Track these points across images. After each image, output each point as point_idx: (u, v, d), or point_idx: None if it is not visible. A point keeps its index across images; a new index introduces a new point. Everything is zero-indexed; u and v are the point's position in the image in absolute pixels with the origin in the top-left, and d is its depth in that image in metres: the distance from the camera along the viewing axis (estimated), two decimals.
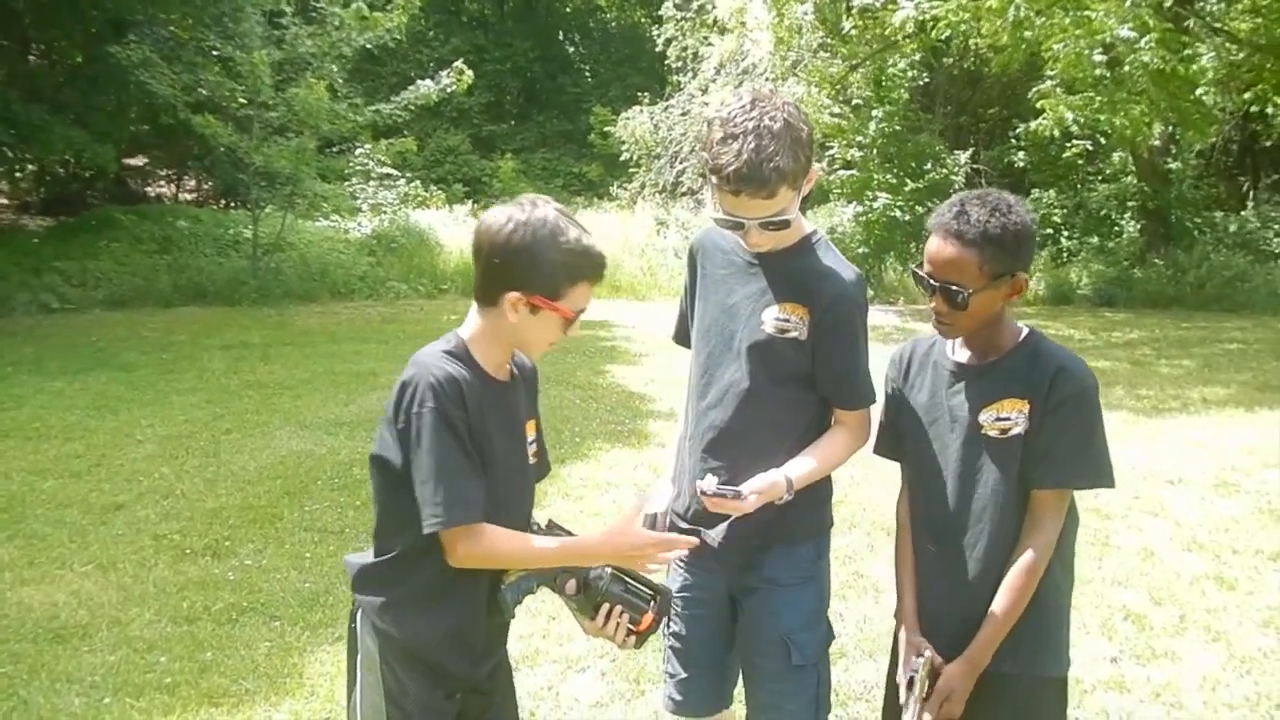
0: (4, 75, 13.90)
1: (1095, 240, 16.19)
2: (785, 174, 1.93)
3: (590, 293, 1.90)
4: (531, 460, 2.05)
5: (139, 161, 20.59)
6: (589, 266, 1.87)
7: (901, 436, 2.16)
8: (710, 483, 2.02)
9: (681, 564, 2.32)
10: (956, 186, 17.46)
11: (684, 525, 2.25)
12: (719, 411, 2.18)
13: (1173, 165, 16.18)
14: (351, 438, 6.37)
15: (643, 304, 14.31)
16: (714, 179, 1.98)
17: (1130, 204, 16.13)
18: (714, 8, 17.65)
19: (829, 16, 16.71)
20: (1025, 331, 2.04)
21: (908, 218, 15.84)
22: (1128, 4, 9.05)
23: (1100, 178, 17.48)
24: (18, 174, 16.56)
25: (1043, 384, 1.94)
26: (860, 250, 15.24)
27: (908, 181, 16.13)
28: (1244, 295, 13.75)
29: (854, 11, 16.55)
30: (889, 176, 15.99)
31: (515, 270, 1.82)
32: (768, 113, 1.94)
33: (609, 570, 1.91)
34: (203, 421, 6.82)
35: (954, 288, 1.92)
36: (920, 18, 12.64)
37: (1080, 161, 17.19)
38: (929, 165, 16.67)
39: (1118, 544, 4.72)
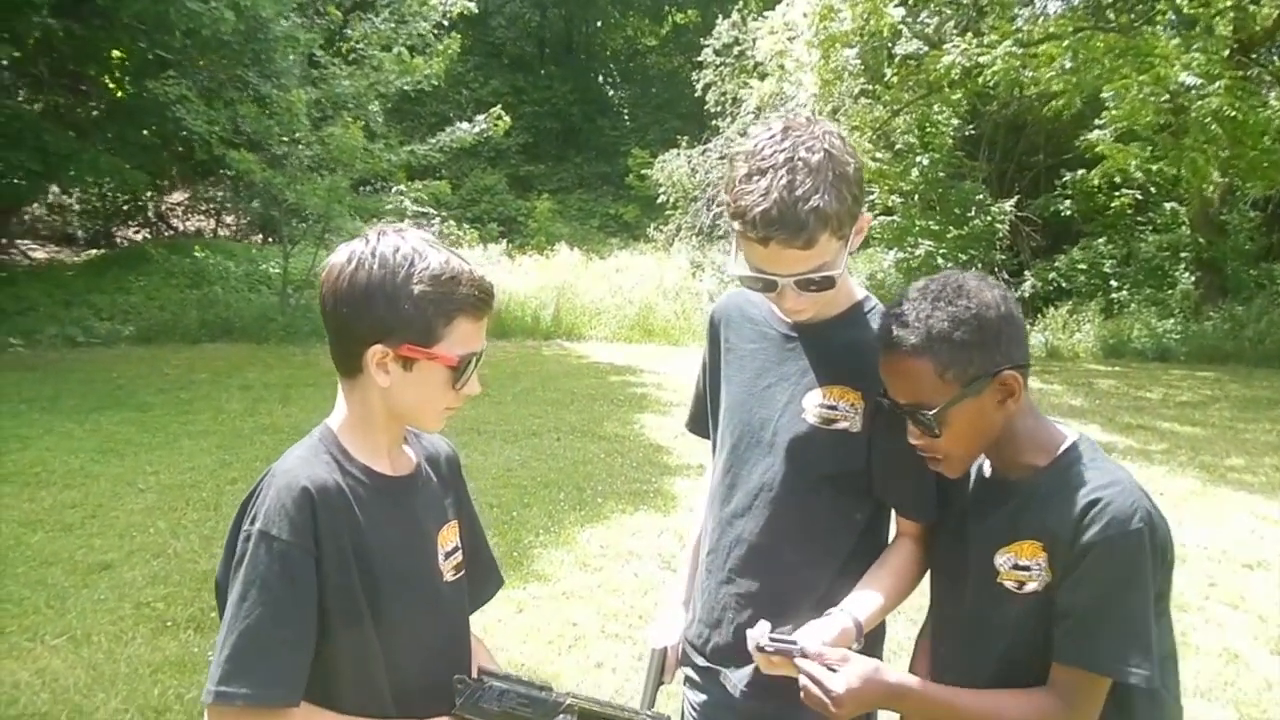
0: (41, 106, 13.99)
1: (1148, 291, 15.63)
2: (826, 217, 1.51)
3: (480, 331, 1.46)
4: (451, 576, 1.57)
5: (179, 197, 20.76)
6: (466, 296, 1.42)
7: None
8: (762, 633, 1.55)
9: (695, 710, 1.89)
10: (1000, 235, 17.06)
11: (700, 663, 1.85)
12: (748, 521, 1.77)
13: (1227, 216, 15.64)
14: None
15: (676, 349, 13.94)
16: (737, 225, 1.56)
17: (1184, 255, 15.57)
18: (754, 52, 17.52)
19: (870, 63, 16.51)
20: (1066, 443, 1.56)
21: (951, 265, 15.51)
22: (1192, 51, 8.67)
23: (1151, 228, 16.95)
24: (50, 203, 16.60)
25: (1066, 522, 1.45)
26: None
27: (950, 229, 15.76)
28: None
29: (897, 59, 16.35)
30: (931, 223, 15.64)
31: (370, 317, 1.39)
32: (804, 143, 1.53)
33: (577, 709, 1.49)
34: (209, 469, 6.51)
35: (919, 412, 1.51)
36: (966, 64, 12.35)
37: (1130, 211, 16.71)
38: (972, 212, 16.29)
39: (1196, 643, 4.22)
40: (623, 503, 6.14)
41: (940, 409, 1.49)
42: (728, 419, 1.83)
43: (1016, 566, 1.52)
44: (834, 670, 1.48)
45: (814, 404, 1.71)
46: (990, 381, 1.50)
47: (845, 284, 1.71)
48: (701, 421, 1.99)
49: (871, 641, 1.71)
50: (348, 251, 1.43)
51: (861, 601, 1.64)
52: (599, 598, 4.56)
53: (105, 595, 4.40)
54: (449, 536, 1.59)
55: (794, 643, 1.52)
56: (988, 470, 1.65)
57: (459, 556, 1.60)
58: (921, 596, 1.77)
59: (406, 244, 1.41)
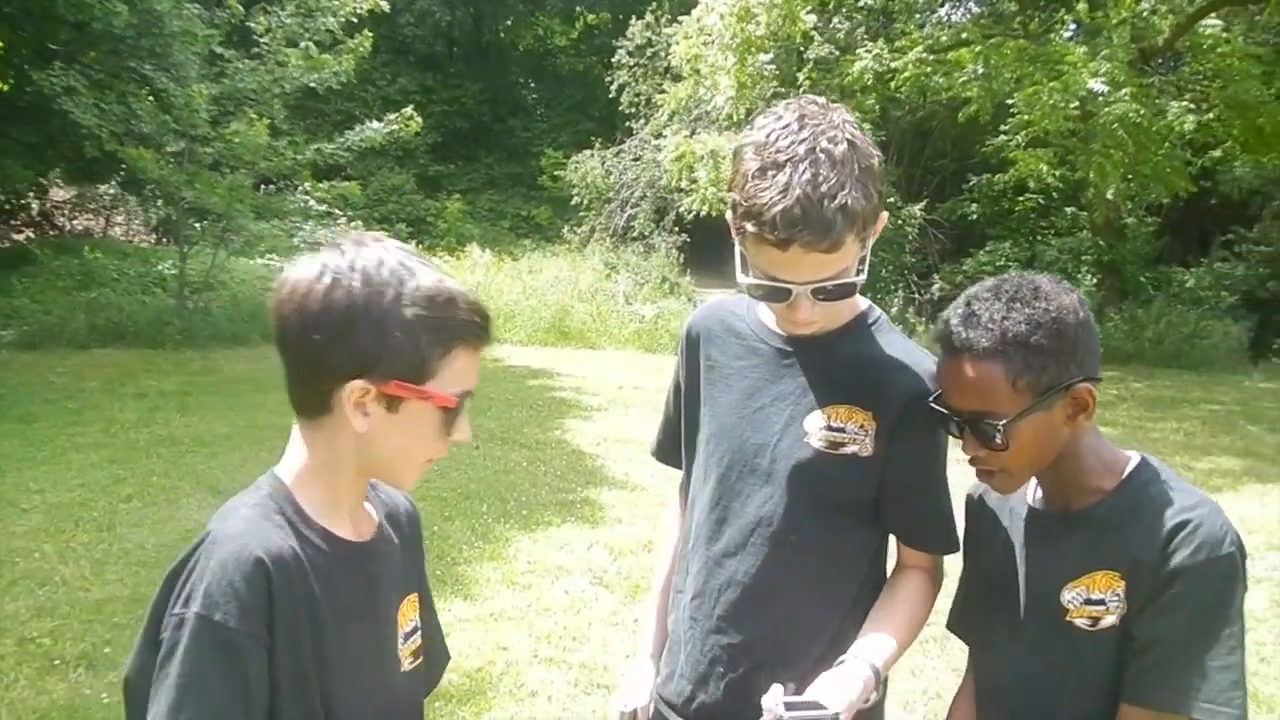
0: None
1: None
2: (854, 216, 1.32)
3: (476, 364, 1.22)
4: (409, 665, 1.31)
5: (66, 194, 19.66)
6: (465, 322, 1.18)
7: (967, 611, 1.59)
8: (778, 699, 1.32)
9: None
10: (910, 238, 17.39)
11: None
12: (741, 561, 1.56)
13: (1128, 220, 16.24)
14: None
15: (593, 352, 13.75)
16: (750, 226, 1.35)
17: (1085, 258, 16.10)
18: (667, 55, 17.51)
19: (784, 68, 16.65)
20: (1133, 463, 1.43)
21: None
22: (1098, 59, 8.90)
23: (1054, 232, 17.49)
24: None
25: (1152, 546, 1.32)
26: None
27: None
28: (1201, 352, 13.70)
29: (809, 64, 16.53)
30: None
31: (351, 346, 1.13)
32: (824, 133, 1.34)
33: None
34: (101, 486, 6.05)
35: (984, 422, 1.36)
36: (879, 69, 12.50)
37: (1033, 215, 17.22)
38: None
39: None
40: (549, 513, 5.92)
41: (1009, 420, 1.34)
42: (713, 446, 1.62)
43: (1089, 601, 1.36)
44: None
45: (817, 426, 1.52)
46: (1063, 394, 1.36)
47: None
48: (671, 450, 1.77)
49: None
50: (318, 265, 1.15)
51: (876, 646, 1.46)
52: (529, 618, 4.34)
53: None
54: (408, 613, 1.33)
55: (822, 707, 1.32)
56: (1036, 498, 1.49)
57: (417, 639, 1.35)
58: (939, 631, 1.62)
59: (391, 257, 1.16)
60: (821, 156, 1.32)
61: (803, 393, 1.54)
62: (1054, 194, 15.49)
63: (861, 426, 1.50)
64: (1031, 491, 1.51)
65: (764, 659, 1.51)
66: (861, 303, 1.59)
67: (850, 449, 1.51)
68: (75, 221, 19.87)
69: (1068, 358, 1.35)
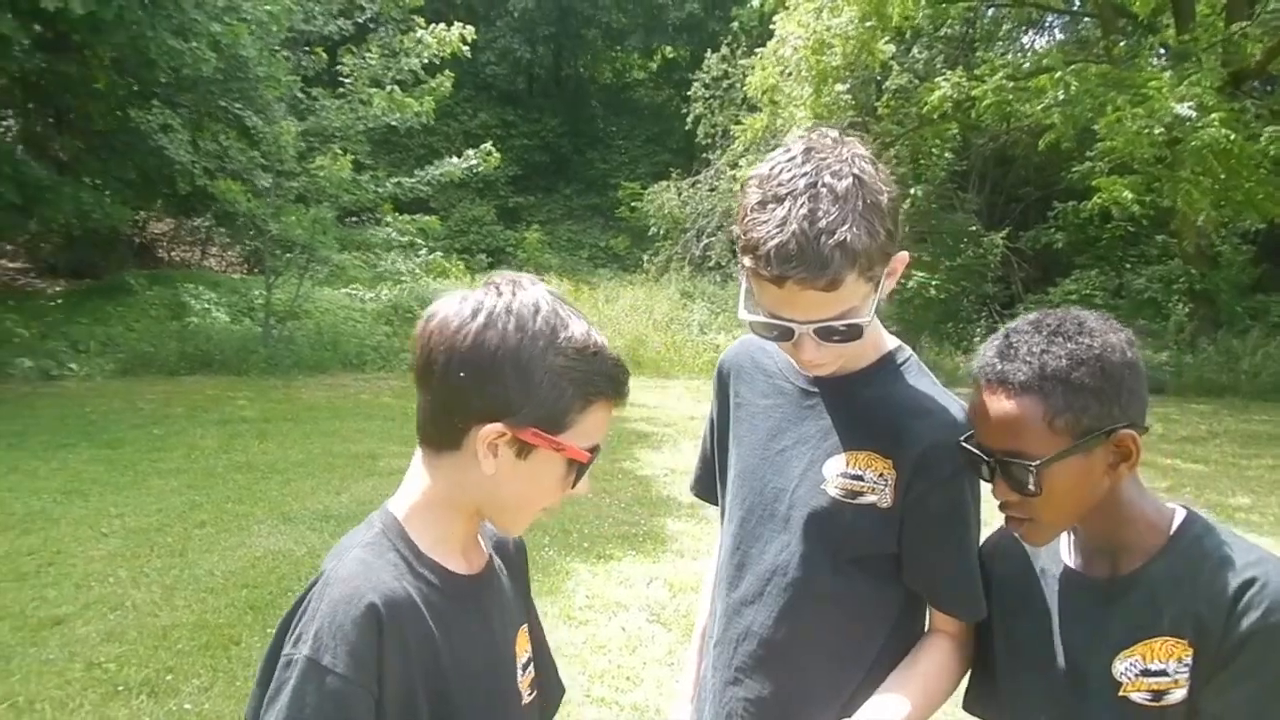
0: (18, 136, 13.82)
1: (1140, 323, 15.53)
2: (853, 253, 1.24)
3: (608, 421, 1.21)
4: (528, 697, 1.31)
5: (163, 228, 20.52)
6: (609, 377, 1.17)
7: (990, 687, 1.45)
8: None
9: None
10: (992, 266, 17.01)
11: None
12: (759, 610, 1.50)
13: (1222, 248, 15.61)
14: (336, 536, 5.70)
15: (666, 381, 13.71)
16: (748, 261, 1.30)
17: (1176, 287, 15.49)
18: (743, 86, 17.58)
19: (860, 97, 16.58)
20: (1180, 516, 1.31)
21: (943, 296, 15.47)
22: (1184, 84, 8.59)
23: (1143, 260, 16.91)
24: (32, 236, 16.41)
25: (1217, 608, 1.20)
26: (892, 330, 14.71)
27: (943, 260, 15.73)
28: None
29: (887, 93, 16.43)
30: (923, 255, 15.61)
31: (494, 388, 1.12)
32: (829, 167, 1.28)
33: None
34: (177, 511, 6.22)
35: (1014, 460, 1.26)
36: (958, 97, 12.32)
37: (1121, 243, 16.69)
38: (964, 244, 16.27)
39: None
40: (611, 546, 5.88)
41: (1043, 461, 1.24)
42: (737, 487, 1.57)
43: (1146, 673, 1.25)
44: None
45: (835, 472, 1.44)
46: (1104, 439, 1.25)
47: (874, 332, 1.46)
48: (709, 486, 1.73)
49: None
50: (473, 303, 1.15)
51: (889, 708, 1.36)
52: (584, 656, 4.28)
53: (54, 655, 4.09)
54: (523, 644, 1.32)
55: None
56: (1073, 557, 1.37)
57: (533, 670, 1.34)
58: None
59: (546, 304, 1.15)
60: (823, 191, 1.26)
61: (824, 436, 1.47)
62: (1143, 221, 14.98)
63: (881, 475, 1.42)
64: (1066, 551, 1.39)
65: (778, 716, 1.44)
66: (889, 341, 1.51)
67: (869, 499, 1.43)
68: (173, 253, 20.71)
69: (1110, 400, 1.25)
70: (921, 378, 1.48)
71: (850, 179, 1.27)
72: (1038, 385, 1.24)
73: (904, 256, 1.37)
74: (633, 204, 21.31)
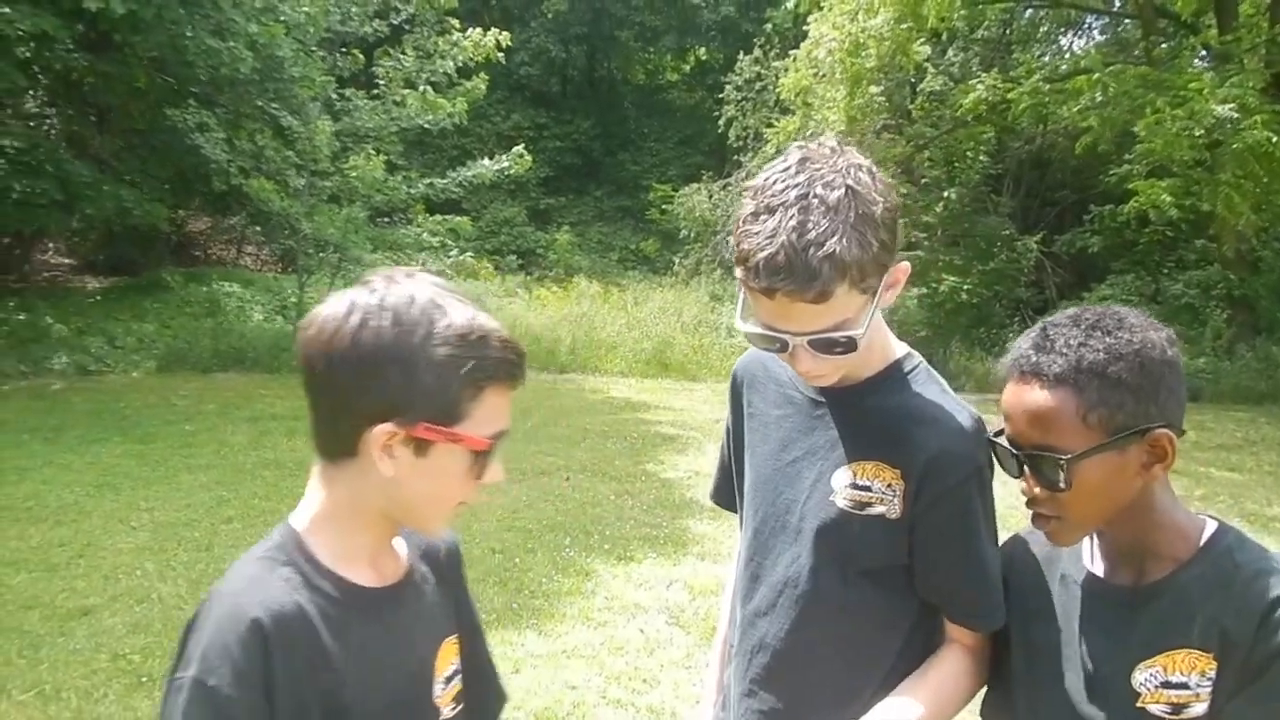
0: (60, 134, 14.09)
1: (1178, 329, 15.24)
2: (844, 265, 1.23)
3: (509, 404, 1.16)
4: (450, 711, 1.26)
5: (200, 226, 20.81)
6: (499, 360, 1.12)
7: (1007, 696, 1.42)
8: None
9: None
10: (1026, 270, 16.79)
11: None
12: (772, 622, 1.49)
13: (1263, 253, 15.31)
14: None
15: (692, 384, 13.69)
16: (739, 272, 1.30)
17: (1215, 292, 15.23)
18: (775, 88, 17.52)
19: (894, 99, 16.46)
20: (1211, 527, 1.28)
21: (975, 301, 15.30)
22: (1226, 86, 8.44)
23: (1180, 265, 16.63)
24: (73, 233, 16.73)
25: (1246, 622, 1.17)
26: (922, 334, 14.60)
27: (976, 264, 15.55)
28: None
29: (920, 95, 16.30)
30: (955, 259, 15.45)
31: (379, 388, 1.08)
32: (823, 177, 1.26)
33: None
34: (206, 506, 6.30)
35: (1044, 454, 1.23)
36: (994, 100, 12.20)
37: (1159, 247, 16.42)
38: (998, 247, 16.08)
39: None
40: (632, 548, 5.87)
41: (1074, 456, 1.21)
42: (751, 496, 1.56)
43: (1166, 684, 1.22)
44: None
45: (843, 483, 1.43)
46: (1139, 438, 1.22)
47: (881, 340, 1.45)
48: (728, 494, 1.72)
49: None
50: (347, 302, 1.11)
51: (893, 712, 1.35)
52: (601, 657, 4.28)
53: (82, 645, 4.17)
54: (448, 656, 1.27)
55: None
56: (1096, 563, 1.34)
57: (459, 682, 1.29)
58: None
59: (422, 294, 1.11)
60: (814, 202, 1.24)
61: (832, 446, 1.45)
62: (1181, 226, 14.74)
63: (889, 485, 1.40)
64: (1089, 556, 1.36)
65: None
66: (898, 348, 1.49)
67: (877, 510, 1.41)
68: (210, 251, 21.00)
69: (1148, 398, 1.21)
70: (929, 385, 1.46)
71: (843, 190, 1.25)
72: (1073, 378, 1.21)
73: (905, 267, 1.36)
74: (664, 206, 21.30)
